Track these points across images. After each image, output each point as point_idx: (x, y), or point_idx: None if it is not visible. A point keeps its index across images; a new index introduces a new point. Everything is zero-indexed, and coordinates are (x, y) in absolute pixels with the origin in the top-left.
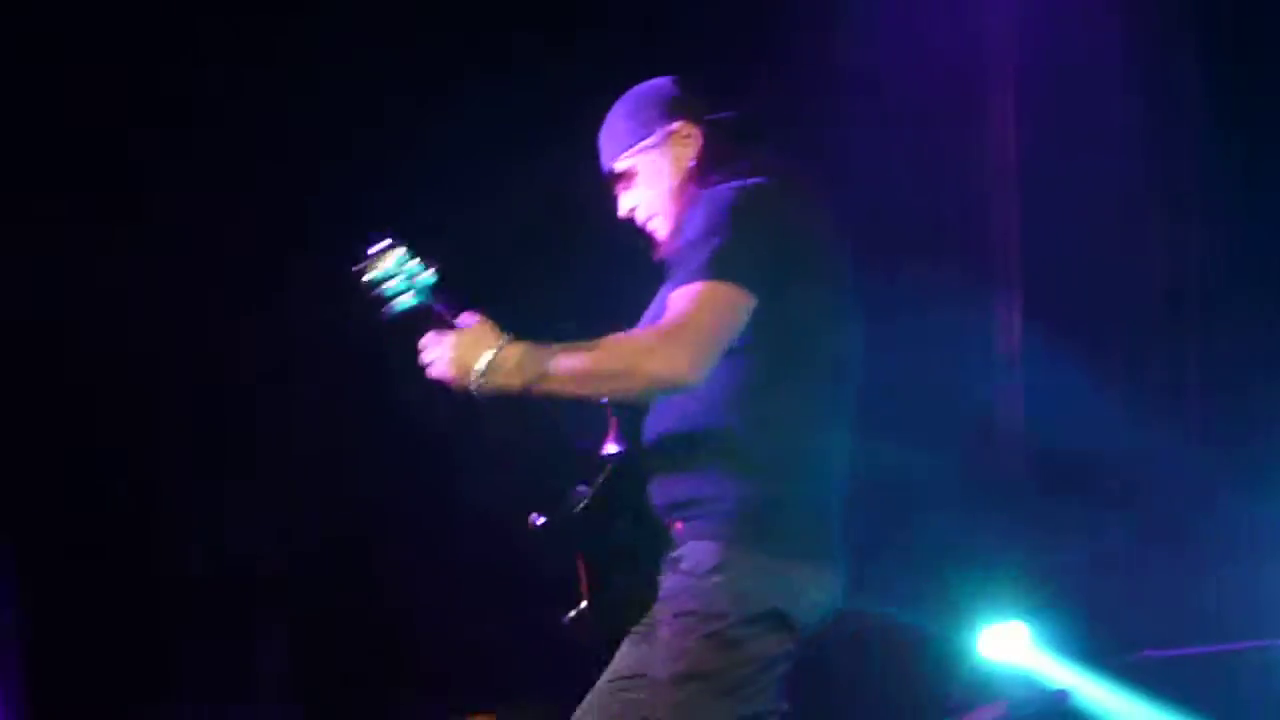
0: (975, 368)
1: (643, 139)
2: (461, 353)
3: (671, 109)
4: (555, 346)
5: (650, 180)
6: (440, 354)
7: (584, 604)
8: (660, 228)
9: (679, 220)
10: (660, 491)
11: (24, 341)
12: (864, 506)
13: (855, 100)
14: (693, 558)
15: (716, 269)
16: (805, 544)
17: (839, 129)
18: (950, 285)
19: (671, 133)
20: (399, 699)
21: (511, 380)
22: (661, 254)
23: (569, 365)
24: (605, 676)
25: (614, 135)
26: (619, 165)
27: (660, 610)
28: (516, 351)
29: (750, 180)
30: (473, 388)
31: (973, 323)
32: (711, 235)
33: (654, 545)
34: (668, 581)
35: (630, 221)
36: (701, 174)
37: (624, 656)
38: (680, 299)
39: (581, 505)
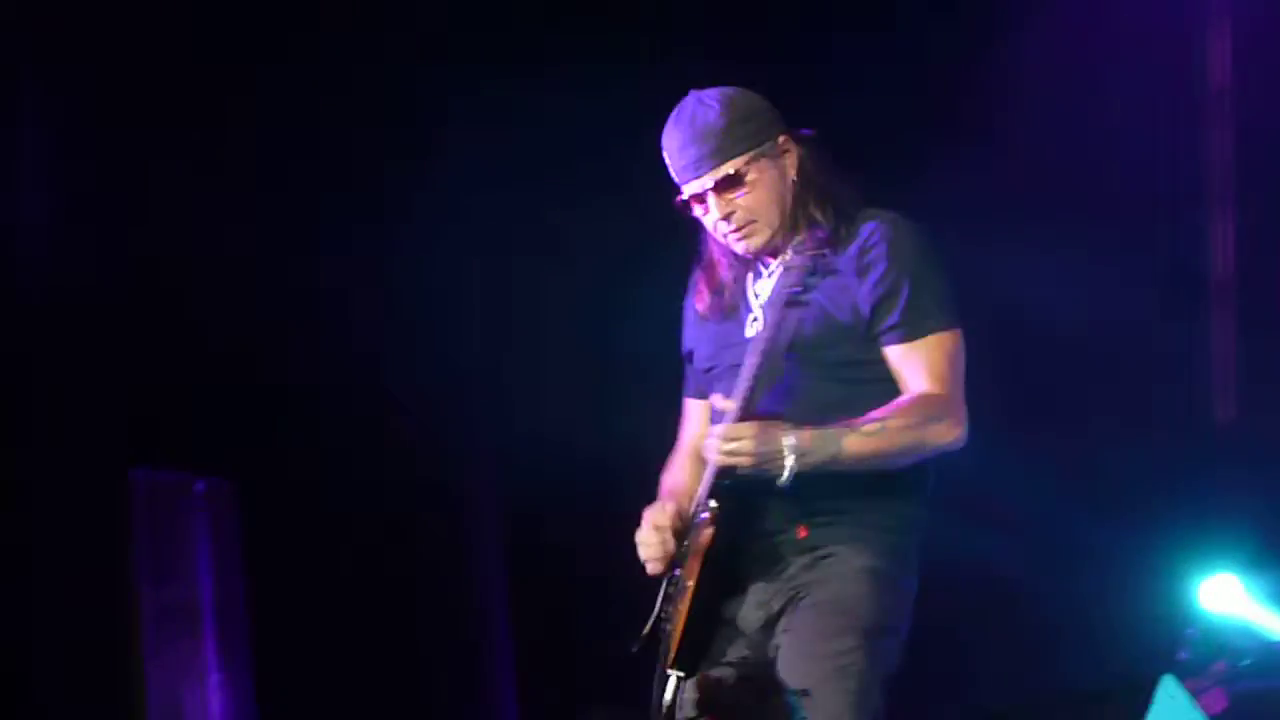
0: (1184, 302)
1: (758, 145)
2: (763, 444)
3: (777, 120)
4: (841, 426)
5: (764, 187)
6: (741, 445)
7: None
8: (762, 235)
9: (809, 234)
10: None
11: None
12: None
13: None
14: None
15: (949, 317)
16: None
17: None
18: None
19: (780, 144)
20: None
21: (808, 463)
22: (771, 258)
23: (864, 449)
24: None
25: (723, 137)
26: (732, 168)
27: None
28: (809, 437)
29: (901, 216)
30: (784, 474)
31: (1182, 252)
32: (921, 276)
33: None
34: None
35: (713, 224)
36: (807, 188)
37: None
38: (939, 357)
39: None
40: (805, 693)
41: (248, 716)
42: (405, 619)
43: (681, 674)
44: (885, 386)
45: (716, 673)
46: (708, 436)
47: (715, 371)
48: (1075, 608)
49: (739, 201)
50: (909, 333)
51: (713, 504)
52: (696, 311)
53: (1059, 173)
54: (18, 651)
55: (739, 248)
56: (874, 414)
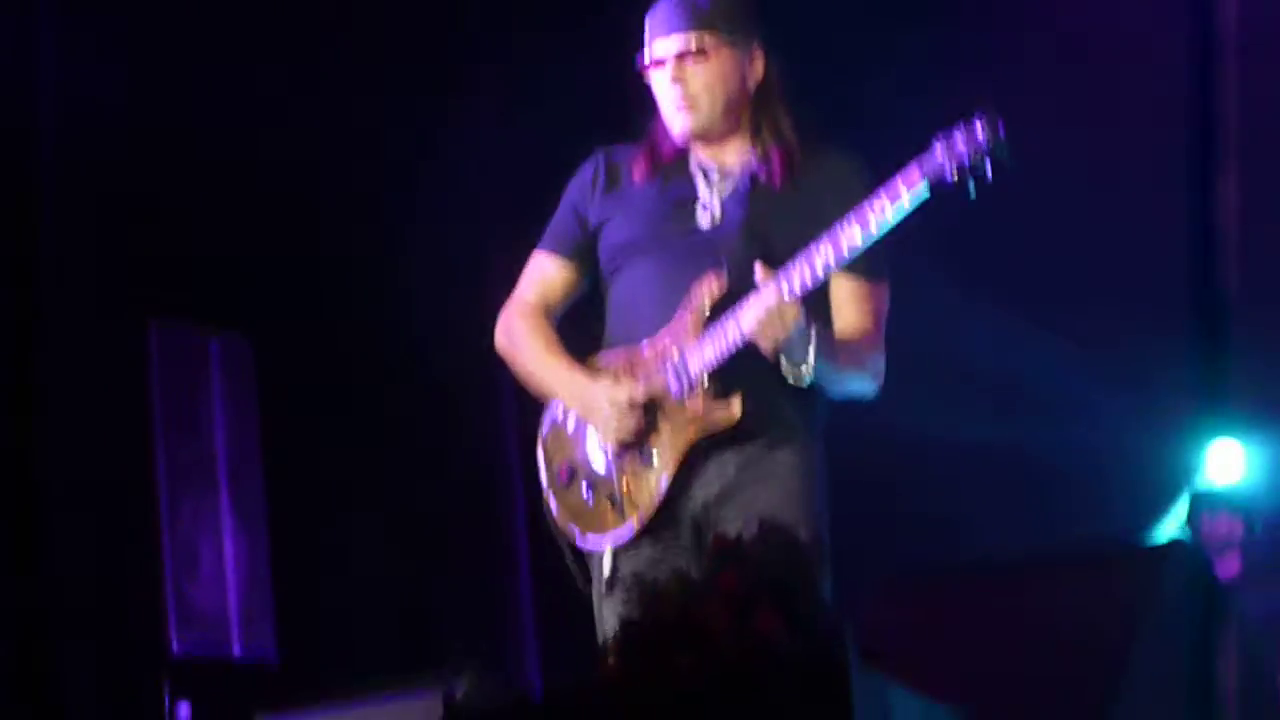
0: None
1: (731, 35)
2: (800, 330)
3: (759, 26)
4: (832, 336)
5: (720, 71)
6: (787, 324)
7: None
8: (702, 116)
9: (777, 150)
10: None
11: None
12: None
13: None
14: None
15: (889, 270)
16: None
17: None
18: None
19: (754, 48)
20: None
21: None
22: (713, 162)
23: (841, 367)
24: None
25: (701, 14)
26: (697, 41)
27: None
28: (824, 339)
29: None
30: (808, 368)
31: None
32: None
33: None
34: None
35: (663, 88)
36: (770, 100)
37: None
38: (880, 304)
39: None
40: None
41: (262, 568)
42: (418, 478)
43: (626, 550)
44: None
45: (659, 550)
46: (763, 302)
47: (642, 253)
48: (1079, 472)
49: (693, 73)
50: (870, 274)
51: (739, 399)
52: (629, 185)
53: None
54: (37, 502)
55: (678, 120)
56: (851, 338)
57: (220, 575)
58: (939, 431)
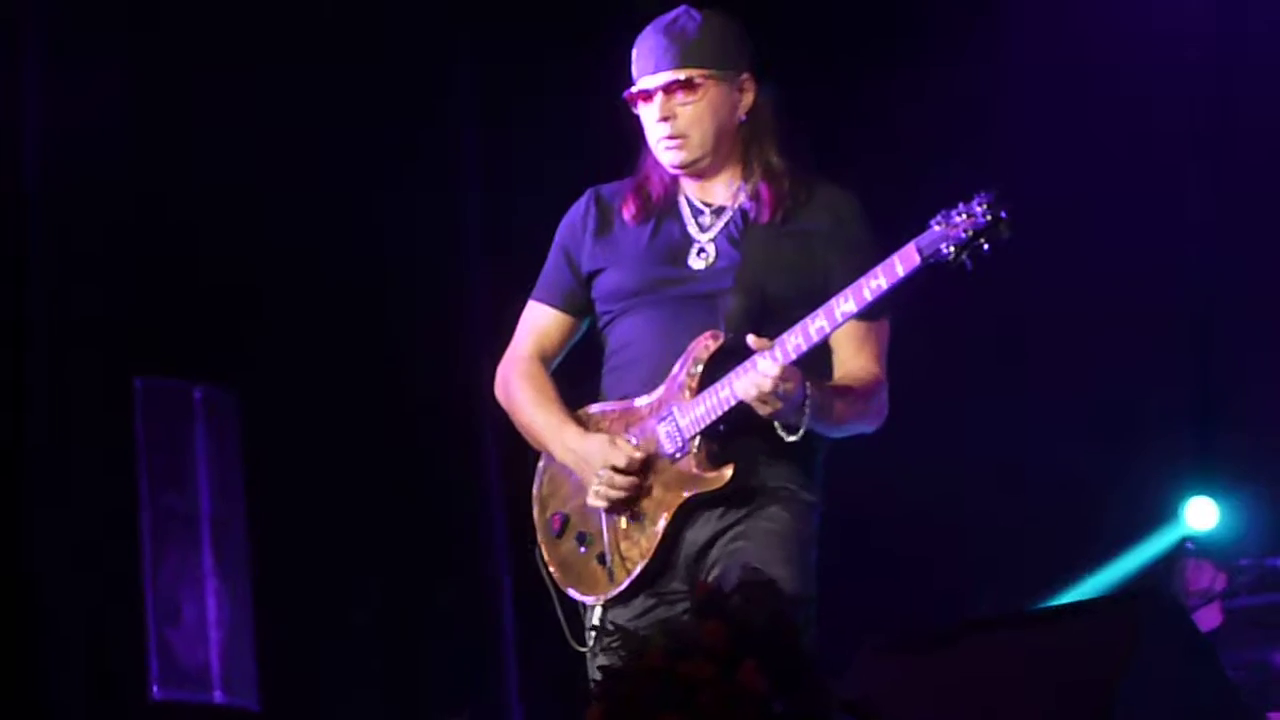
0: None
1: (720, 68)
2: (800, 394)
3: (748, 55)
4: (832, 387)
5: (709, 106)
6: (788, 389)
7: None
8: (691, 152)
9: (770, 187)
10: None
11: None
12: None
13: None
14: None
15: (888, 306)
16: None
17: None
18: None
19: (743, 78)
20: None
21: (811, 420)
22: (706, 198)
23: (840, 418)
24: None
25: (690, 46)
26: (685, 75)
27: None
28: (821, 396)
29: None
30: (800, 430)
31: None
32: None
33: None
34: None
35: (651, 124)
36: (762, 133)
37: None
38: (882, 342)
39: None
40: None
41: (244, 624)
42: (403, 529)
43: (615, 604)
44: (822, 354)
45: (651, 601)
46: (759, 372)
47: (637, 300)
48: (1062, 524)
49: (681, 108)
50: (871, 314)
51: (731, 468)
52: (619, 229)
53: None
54: (21, 561)
55: (666, 157)
56: (851, 385)
57: (203, 624)
58: (932, 489)
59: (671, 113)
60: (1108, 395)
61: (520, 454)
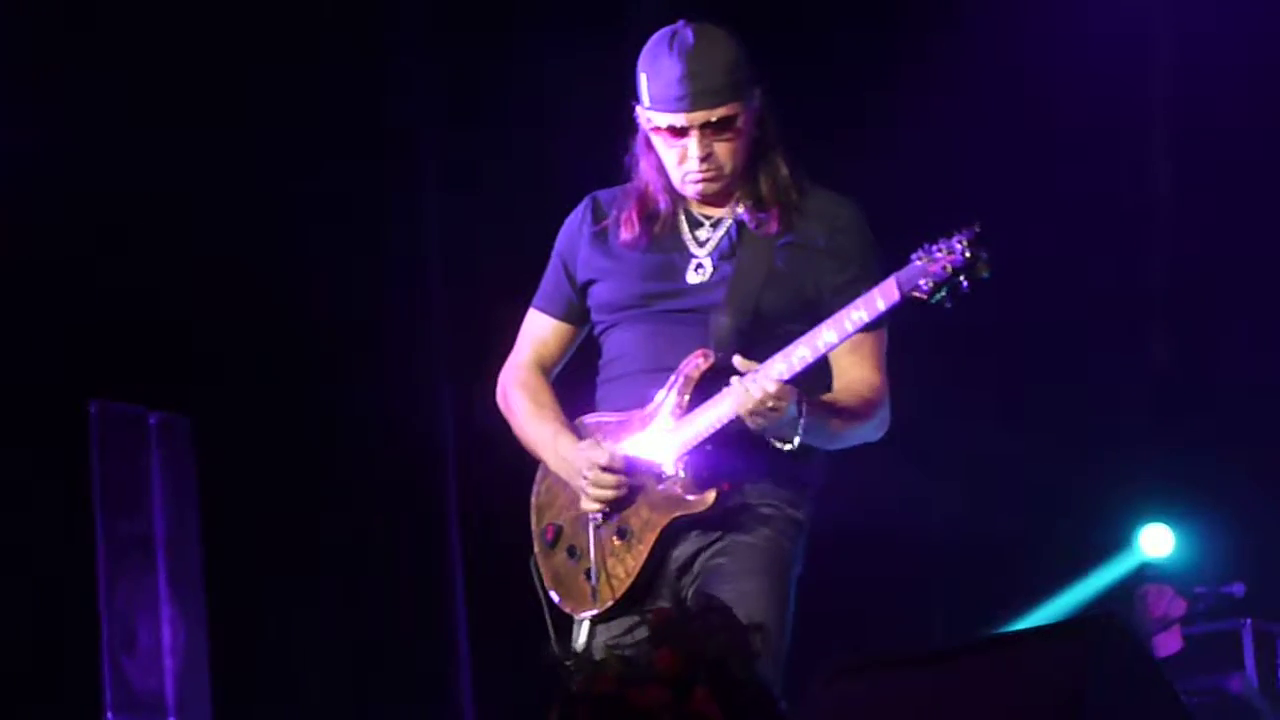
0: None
1: (749, 94)
2: (793, 409)
3: (757, 71)
4: (829, 402)
5: (744, 137)
6: (781, 405)
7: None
8: (723, 183)
9: (775, 198)
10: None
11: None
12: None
13: None
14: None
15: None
16: None
17: None
18: None
19: (757, 94)
20: None
21: (807, 435)
22: (714, 208)
23: (838, 431)
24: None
25: (728, 77)
26: (731, 111)
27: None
28: (817, 411)
29: (853, 201)
30: (795, 443)
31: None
32: (877, 269)
33: None
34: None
35: (677, 159)
36: (769, 146)
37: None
38: (880, 350)
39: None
40: None
41: (199, 650)
42: (357, 554)
43: (602, 621)
44: (820, 367)
45: (636, 618)
46: (755, 391)
47: (630, 312)
48: (1018, 550)
49: (719, 146)
50: (869, 323)
51: (714, 493)
52: (615, 239)
53: None
54: None
55: (692, 189)
56: (848, 398)
57: (158, 650)
58: (886, 515)
59: (710, 149)
60: (1064, 422)
61: (480, 475)
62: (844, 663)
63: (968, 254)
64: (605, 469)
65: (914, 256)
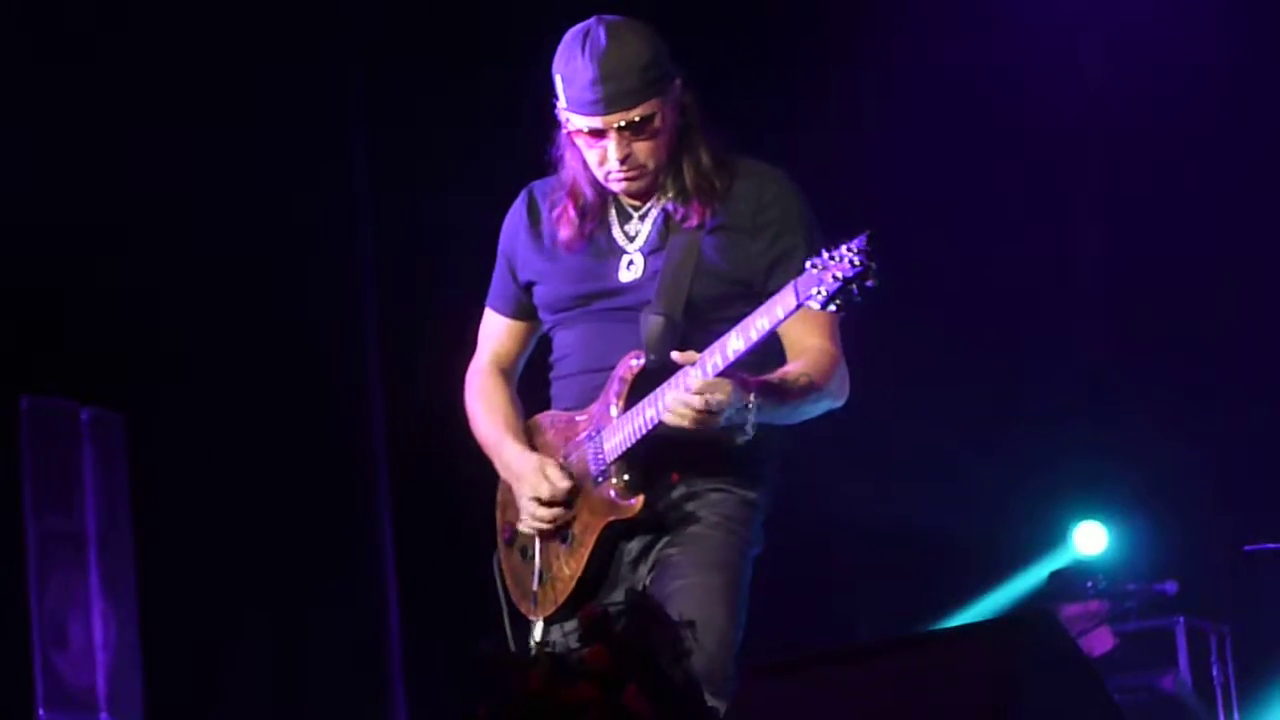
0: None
1: (666, 90)
2: (736, 402)
3: (671, 60)
4: (778, 379)
5: (665, 134)
6: (719, 401)
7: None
8: (648, 180)
9: (698, 184)
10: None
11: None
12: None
13: None
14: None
15: None
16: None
17: None
18: None
19: (677, 85)
20: None
21: (759, 419)
22: (642, 200)
23: (793, 403)
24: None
25: (639, 78)
26: (645, 112)
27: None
28: (762, 392)
29: (784, 174)
30: (747, 432)
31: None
32: (815, 239)
33: None
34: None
35: (598, 159)
36: (691, 133)
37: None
38: (830, 318)
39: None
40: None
41: (131, 646)
42: (291, 550)
43: (553, 622)
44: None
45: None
46: (679, 394)
47: (568, 313)
48: (956, 546)
49: (639, 145)
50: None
51: (641, 499)
52: (552, 237)
53: None
54: None
55: (618, 187)
56: (801, 369)
57: (89, 646)
58: (819, 512)
59: (629, 150)
60: (997, 419)
61: (413, 471)
62: (768, 662)
63: (856, 262)
64: (543, 503)
65: (809, 264)
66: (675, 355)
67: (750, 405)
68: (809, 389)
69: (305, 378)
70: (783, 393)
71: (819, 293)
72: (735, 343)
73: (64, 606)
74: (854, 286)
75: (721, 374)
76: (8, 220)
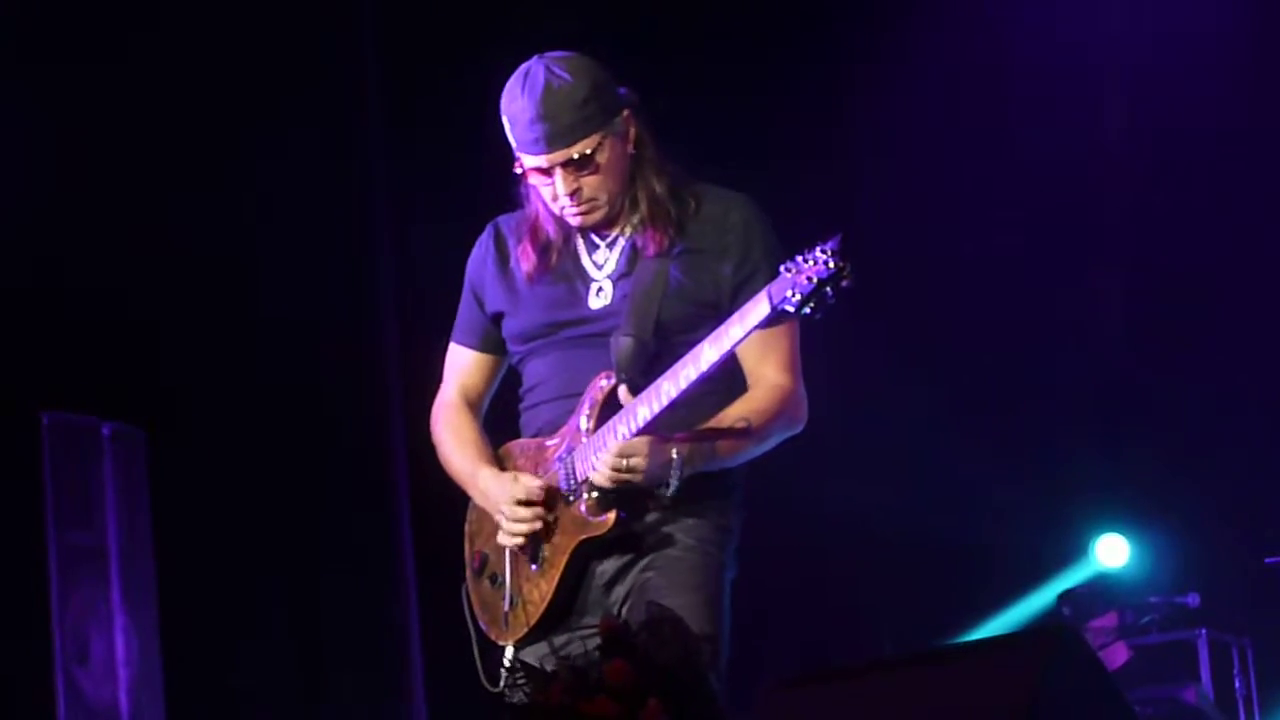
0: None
1: (608, 124)
2: (656, 463)
3: (618, 92)
4: (713, 429)
5: (611, 166)
6: (636, 464)
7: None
8: (603, 212)
9: (654, 210)
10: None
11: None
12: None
13: None
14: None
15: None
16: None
17: None
18: None
19: (625, 117)
20: None
21: (689, 473)
22: (606, 229)
23: (734, 451)
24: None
25: (575, 115)
26: (583, 149)
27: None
28: (689, 450)
29: (749, 198)
30: (671, 489)
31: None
32: (778, 263)
33: None
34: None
35: (551, 195)
36: (644, 161)
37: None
38: (789, 345)
39: None
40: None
41: (152, 661)
42: (311, 564)
43: (524, 645)
44: (728, 369)
45: (563, 638)
46: (603, 460)
47: (539, 342)
48: (979, 559)
49: (586, 180)
50: (769, 319)
51: (613, 515)
52: (518, 271)
53: None
54: None
55: (575, 222)
56: (740, 412)
57: (111, 661)
58: (840, 524)
59: (577, 185)
60: (1020, 431)
61: (433, 486)
62: (789, 676)
63: (830, 264)
64: (521, 503)
65: (782, 269)
66: (621, 392)
67: (673, 462)
68: (746, 434)
69: (326, 392)
70: (715, 443)
71: (793, 295)
72: (709, 353)
73: (85, 622)
74: (828, 288)
75: (683, 393)
76: (29, 236)
